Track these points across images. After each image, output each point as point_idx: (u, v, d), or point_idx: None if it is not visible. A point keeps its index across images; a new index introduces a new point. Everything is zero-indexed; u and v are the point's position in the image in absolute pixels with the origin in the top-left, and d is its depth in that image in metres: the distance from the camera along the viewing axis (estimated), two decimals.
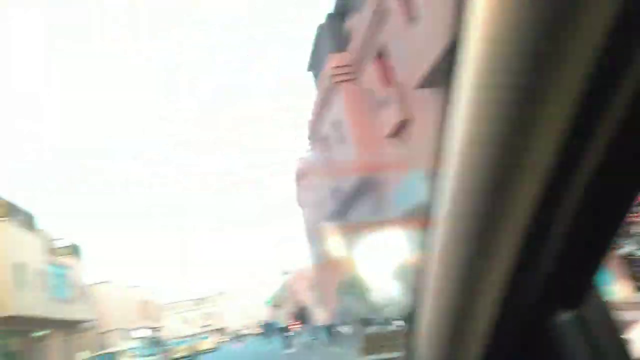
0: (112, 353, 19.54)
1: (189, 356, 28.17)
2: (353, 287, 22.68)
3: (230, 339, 65.02)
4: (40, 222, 30.28)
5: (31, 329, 25.95)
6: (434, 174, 0.59)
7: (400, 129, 14.34)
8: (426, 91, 11.94)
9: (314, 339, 19.01)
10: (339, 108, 18.74)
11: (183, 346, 29.28)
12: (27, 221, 27.45)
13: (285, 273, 74.28)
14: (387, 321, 14.93)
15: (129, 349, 19.92)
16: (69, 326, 31.26)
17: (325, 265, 30.81)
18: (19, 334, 25.34)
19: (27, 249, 25.65)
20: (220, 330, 71.22)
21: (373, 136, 16.68)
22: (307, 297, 43.78)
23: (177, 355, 27.93)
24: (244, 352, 31.86)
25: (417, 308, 0.73)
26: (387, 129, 14.93)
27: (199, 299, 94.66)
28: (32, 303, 24.55)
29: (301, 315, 21.21)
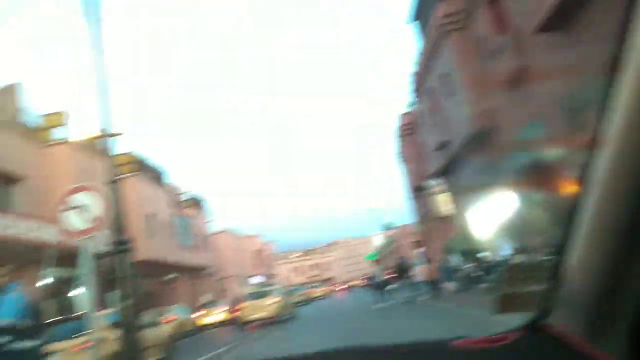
0: (265, 290, 21.64)
1: (305, 301, 30.79)
2: (461, 244, 22.28)
3: (337, 289, 67.42)
4: (167, 176, 33.38)
5: (161, 273, 29.14)
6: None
7: (516, 79, 13.35)
8: (545, 36, 10.93)
9: (416, 294, 19.16)
10: (449, 59, 17.82)
11: (299, 292, 32.99)
12: (156, 176, 30.34)
13: (389, 228, 74.59)
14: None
15: (274, 289, 22.13)
16: (192, 271, 34.56)
17: (431, 221, 30.46)
18: (151, 277, 28.65)
19: (157, 202, 28.46)
20: (327, 281, 74.25)
21: (486, 87, 15.73)
22: (410, 253, 43.86)
23: (295, 300, 30.30)
24: (347, 301, 33.25)
25: (570, 242, 0.72)
26: (502, 79, 13.96)
27: (308, 250, 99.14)
28: (161, 250, 27.40)
29: (402, 270, 21.28)
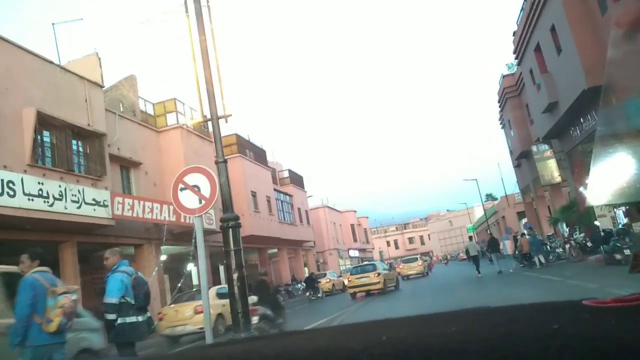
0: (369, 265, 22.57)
1: (418, 274, 31.58)
2: (571, 213, 20.71)
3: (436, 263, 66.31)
4: (269, 155, 34.51)
5: (265, 247, 30.49)
6: None
7: (636, 27, 11.80)
8: None
9: (505, 267, 20.67)
10: (557, 10, 16.21)
11: (414, 264, 32.35)
12: (259, 155, 31.54)
13: (490, 199, 71.26)
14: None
15: (377, 264, 22.77)
16: (294, 245, 35.81)
17: (539, 189, 28.55)
18: (256, 251, 30.11)
19: (259, 180, 29.63)
20: (424, 255, 73.07)
21: (600, 41, 14.12)
22: (515, 224, 41.67)
23: (409, 272, 31.64)
24: (450, 271, 33.91)
25: None
26: (619, 28, 12.44)
27: (403, 224, 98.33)
28: (264, 225, 28.58)
29: (492, 246, 22.58)
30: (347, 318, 12.64)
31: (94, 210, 14.68)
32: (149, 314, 5.84)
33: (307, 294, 25.93)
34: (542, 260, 19.76)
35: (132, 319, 5.61)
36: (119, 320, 5.53)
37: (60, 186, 13.58)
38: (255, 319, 10.70)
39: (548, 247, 21.67)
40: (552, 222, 24.29)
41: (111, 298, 5.55)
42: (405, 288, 22.45)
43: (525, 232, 22.85)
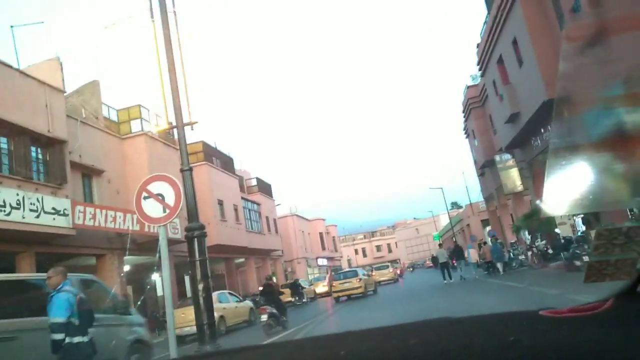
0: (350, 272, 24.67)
1: (390, 280, 34.45)
2: (533, 221, 21.32)
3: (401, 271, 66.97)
4: (236, 163, 34.17)
5: (232, 256, 30.09)
6: None
7: (594, 39, 12.31)
8: None
9: (469, 274, 21.94)
10: (518, 23, 16.75)
11: (386, 271, 35.60)
12: (225, 163, 31.20)
13: (455, 207, 72.70)
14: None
15: (358, 271, 24.44)
16: (261, 254, 35.48)
17: (501, 198, 29.28)
18: (222, 260, 29.68)
19: (226, 188, 29.30)
20: (392, 262, 73.68)
21: (560, 51, 14.66)
22: (479, 231, 42.58)
23: (382, 279, 34.12)
24: (418, 278, 35.42)
25: None
26: (578, 40, 12.94)
27: (371, 232, 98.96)
28: (231, 234, 28.25)
29: (457, 254, 23.88)
30: (320, 323, 12.66)
31: (54, 219, 14.18)
32: (91, 335, 5.69)
33: (293, 299, 26.57)
34: (501, 268, 20.57)
35: (78, 339, 5.47)
36: (67, 340, 5.37)
37: (17, 194, 13.07)
38: (264, 317, 13.05)
39: (511, 254, 22.29)
40: (514, 230, 24.94)
41: (58, 318, 5.38)
42: (380, 293, 23.87)
43: (489, 240, 23.45)
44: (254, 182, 38.79)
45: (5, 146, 13.78)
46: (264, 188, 39.68)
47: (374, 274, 33.77)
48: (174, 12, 8.02)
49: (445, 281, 20.60)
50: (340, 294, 22.37)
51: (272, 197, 41.22)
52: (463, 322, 0.86)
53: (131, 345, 7.77)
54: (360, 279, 22.35)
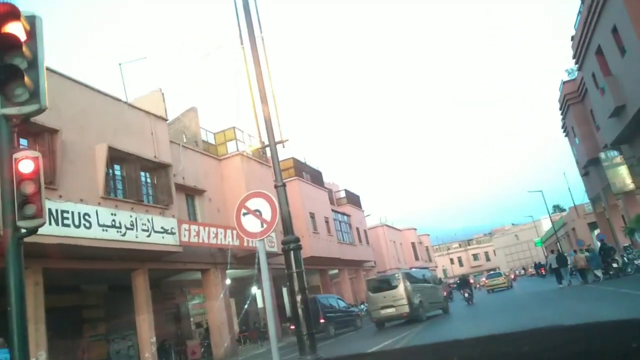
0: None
1: (503, 286, 36.32)
2: None
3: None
4: (325, 177, 34.83)
5: (325, 268, 30.51)
6: None
7: None
8: None
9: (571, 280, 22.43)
10: (619, 10, 15.52)
11: (500, 278, 37.74)
12: (315, 177, 31.91)
13: (557, 211, 67.80)
14: None
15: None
16: (354, 265, 35.59)
17: (610, 198, 26.92)
18: (317, 272, 30.19)
19: (317, 201, 29.92)
20: (490, 271, 70.24)
21: None
22: (586, 235, 39.33)
23: (495, 283, 37.03)
24: (528, 284, 37.14)
25: None
26: None
27: (467, 240, 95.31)
28: (324, 246, 28.69)
29: (561, 261, 23.06)
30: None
31: (163, 237, 15.38)
32: None
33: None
34: (599, 275, 20.46)
35: None
36: None
37: (131, 216, 14.37)
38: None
39: (625, 258, 20.55)
40: (627, 232, 22.80)
41: None
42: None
43: (597, 243, 21.97)
44: (342, 194, 39.15)
45: (118, 173, 15.27)
46: (353, 199, 39.88)
47: (487, 281, 38.89)
48: (262, 37, 8.50)
49: (560, 285, 21.69)
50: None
51: (361, 208, 41.30)
52: (577, 330, 0.82)
53: None
54: (505, 277, 36.72)
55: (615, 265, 19.96)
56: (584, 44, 19.98)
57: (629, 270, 19.64)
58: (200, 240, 17.10)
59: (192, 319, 23.02)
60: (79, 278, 16.01)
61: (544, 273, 40.66)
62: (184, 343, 20.20)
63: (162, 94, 18.10)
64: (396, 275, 18.12)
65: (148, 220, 14.97)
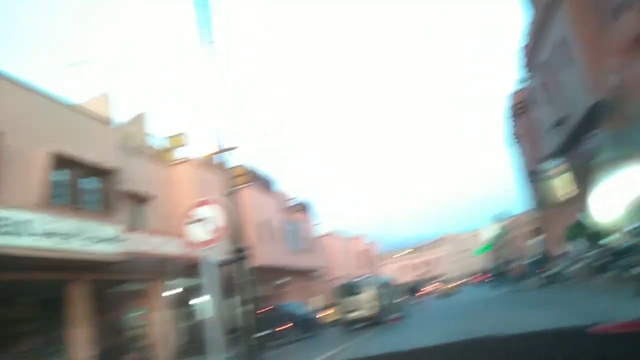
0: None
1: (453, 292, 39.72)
2: (583, 230, 20.50)
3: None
4: (276, 184, 34.66)
5: (273, 277, 30.24)
6: None
7: None
8: None
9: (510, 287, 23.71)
10: (564, 24, 16.31)
11: (451, 284, 42.39)
12: (266, 184, 31.67)
13: (500, 219, 70.71)
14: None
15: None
16: (303, 274, 35.49)
17: (549, 207, 28.29)
18: (264, 282, 29.83)
19: (268, 209, 29.68)
20: (435, 278, 72.13)
21: (608, 51, 14.20)
22: (525, 244, 41.18)
23: (446, 288, 40.37)
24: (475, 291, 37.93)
25: None
26: (626, 40, 12.48)
27: (413, 248, 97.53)
28: (273, 255, 28.47)
29: (501, 269, 25.80)
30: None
31: (106, 246, 14.77)
32: None
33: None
34: (536, 281, 21.88)
35: None
36: None
37: (73, 224, 13.71)
38: None
39: (559, 266, 21.63)
40: (564, 240, 24.04)
41: None
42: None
43: (535, 250, 23.06)
44: (294, 202, 39.07)
45: (61, 178, 14.54)
46: (304, 207, 39.88)
47: (441, 285, 40.93)
48: (216, 43, 8.37)
49: (500, 292, 23.26)
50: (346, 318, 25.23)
51: (312, 216, 41.36)
52: (510, 340, 0.84)
53: None
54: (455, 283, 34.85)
55: (551, 272, 20.96)
56: (532, 56, 20.88)
57: (565, 277, 20.66)
58: (146, 249, 16.54)
59: (133, 332, 22.14)
60: (12, 290, 15.06)
61: (488, 279, 42.59)
62: (124, 357, 19.40)
63: (109, 97, 17.47)
64: (364, 281, 20.29)
65: (91, 228, 14.33)
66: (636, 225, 15.88)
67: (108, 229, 15.03)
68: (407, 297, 35.25)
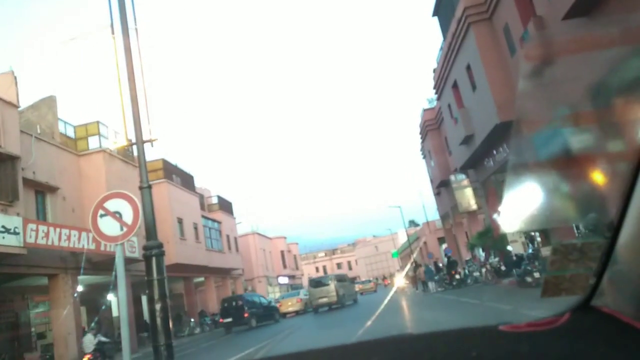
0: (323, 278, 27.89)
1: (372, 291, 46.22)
2: (486, 239, 22.08)
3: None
4: (196, 181, 33.74)
5: (191, 275, 29.52)
6: None
7: (541, 67, 13.06)
8: (572, 22, 10.70)
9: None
10: (472, 51, 17.57)
11: (370, 284, 49.53)
12: (186, 181, 30.74)
13: (412, 225, 73.91)
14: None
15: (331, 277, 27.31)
16: (221, 273, 34.94)
17: (456, 216, 30.12)
18: (181, 280, 29.06)
19: (186, 206, 28.86)
20: (352, 279, 73.89)
21: (510, 79, 15.46)
22: (435, 249, 43.45)
23: (366, 287, 47.47)
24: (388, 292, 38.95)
25: (621, 224, 0.72)
26: (527, 68, 13.68)
27: (332, 249, 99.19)
28: (191, 253, 27.77)
29: (416, 268, 27.43)
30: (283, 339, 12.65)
31: (3, 238, 13.64)
32: None
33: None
34: (434, 287, 24.28)
35: None
36: None
37: None
38: None
39: (466, 270, 23.08)
40: (469, 247, 25.68)
41: None
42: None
43: (447, 256, 24.45)
44: (214, 200, 38.36)
45: None
46: (225, 206, 39.29)
47: (360, 286, 45.12)
48: (136, 29, 8.04)
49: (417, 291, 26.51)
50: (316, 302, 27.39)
51: (233, 215, 40.84)
52: (425, 338, 0.87)
53: None
54: (373, 284, 46.23)
55: (457, 276, 22.30)
56: (443, 77, 22.22)
57: (469, 281, 22.07)
58: (50, 243, 15.49)
59: (33, 329, 20.62)
60: None
61: (400, 282, 45.99)
62: (22, 356, 18.03)
63: (15, 77, 16.17)
64: (329, 277, 26.76)
65: None
66: (532, 234, 17.40)
67: (7, 219, 13.91)
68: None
